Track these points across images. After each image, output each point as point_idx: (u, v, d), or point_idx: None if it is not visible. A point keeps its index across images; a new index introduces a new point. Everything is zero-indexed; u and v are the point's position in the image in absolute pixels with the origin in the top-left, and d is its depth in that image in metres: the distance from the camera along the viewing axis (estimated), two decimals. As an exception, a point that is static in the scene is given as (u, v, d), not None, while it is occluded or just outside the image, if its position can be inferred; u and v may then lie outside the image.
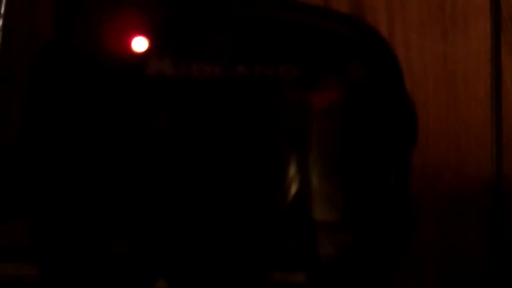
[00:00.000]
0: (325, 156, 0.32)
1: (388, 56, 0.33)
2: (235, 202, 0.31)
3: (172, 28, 0.32)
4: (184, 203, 0.31)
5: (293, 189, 0.31)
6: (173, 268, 0.31)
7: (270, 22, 0.32)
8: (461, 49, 0.50)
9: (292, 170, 0.31)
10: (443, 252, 0.49)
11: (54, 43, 0.32)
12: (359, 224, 0.32)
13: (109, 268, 0.31)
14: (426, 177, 0.49)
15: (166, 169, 0.31)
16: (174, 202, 0.31)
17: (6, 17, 0.47)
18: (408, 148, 0.32)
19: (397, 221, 0.32)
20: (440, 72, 0.49)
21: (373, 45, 0.32)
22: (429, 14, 0.50)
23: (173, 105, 0.32)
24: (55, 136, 0.32)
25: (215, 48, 0.32)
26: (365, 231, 0.32)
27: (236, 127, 0.31)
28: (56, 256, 0.32)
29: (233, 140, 0.31)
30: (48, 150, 0.32)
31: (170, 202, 0.31)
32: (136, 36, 0.32)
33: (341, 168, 0.32)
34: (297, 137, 0.32)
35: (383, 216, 0.32)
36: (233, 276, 0.31)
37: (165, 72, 0.31)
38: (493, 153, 0.49)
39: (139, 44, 0.32)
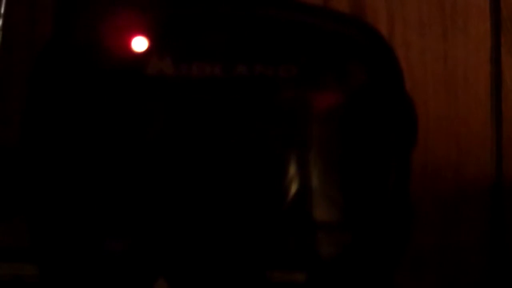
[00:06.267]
0: (325, 156, 0.32)
1: (388, 56, 0.33)
2: (235, 202, 0.31)
3: (172, 28, 0.32)
4: (184, 203, 0.31)
5: (293, 189, 0.31)
6: (173, 267, 0.31)
7: (270, 22, 0.32)
8: (461, 49, 0.49)
9: (292, 170, 0.31)
10: (443, 252, 0.49)
11: (54, 43, 0.32)
12: (359, 223, 0.32)
13: (109, 267, 0.31)
14: (426, 177, 0.49)
15: (166, 168, 0.31)
16: (173, 201, 0.31)
17: (6, 17, 0.47)
18: (408, 148, 0.32)
19: (397, 221, 0.32)
20: (440, 72, 0.49)
21: (373, 45, 0.32)
22: (429, 14, 0.50)
23: (173, 104, 0.32)
24: (55, 136, 0.32)
25: (215, 48, 0.32)
26: (365, 230, 0.32)
27: (236, 127, 0.31)
28: (55, 255, 0.32)
29: (233, 140, 0.31)
30: (48, 150, 0.32)
31: (169, 201, 0.31)
32: (136, 35, 0.32)
33: (341, 168, 0.32)
34: (297, 137, 0.32)
35: (383, 216, 0.32)
36: (233, 276, 0.31)
37: (165, 72, 0.31)
38: (493, 153, 0.49)
39: (139, 43, 0.32)
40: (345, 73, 0.32)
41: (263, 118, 0.31)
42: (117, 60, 0.32)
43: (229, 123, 0.31)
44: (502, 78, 0.50)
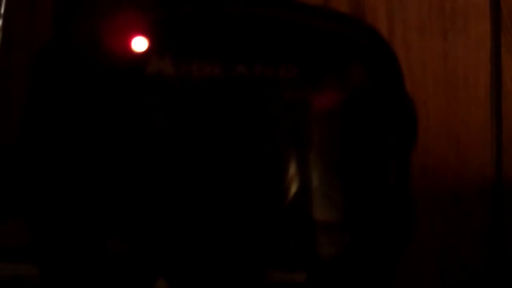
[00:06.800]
0: (325, 156, 0.32)
1: (388, 56, 0.33)
2: (235, 202, 0.31)
3: (172, 28, 0.32)
4: (184, 203, 0.31)
5: (293, 189, 0.31)
6: (173, 268, 0.31)
7: (270, 22, 0.32)
8: (461, 49, 0.50)
9: (292, 170, 0.31)
10: (443, 252, 0.49)
11: (54, 43, 0.32)
12: (359, 223, 0.32)
13: (108, 267, 0.31)
14: (426, 177, 0.49)
15: (165, 168, 0.31)
16: (173, 201, 0.31)
17: (6, 17, 0.47)
18: (408, 148, 0.32)
19: (397, 221, 0.32)
20: (440, 72, 0.49)
21: (373, 45, 0.32)
22: (429, 14, 0.50)
23: (173, 104, 0.32)
24: (55, 136, 0.32)
25: (215, 48, 0.32)
26: (365, 230, 0.32)
27: (235, 127, 0.31)
28: (55, 255, 0.32)
29: (232, 140, 0.31)
30: (47, 150, 0.32)
31: (169, 201, 0.31)
32: (136, 36, 0.32)
33: (341, 168, 0.32)
34: (297, 137, 0.32)
35: (383, 216, 0.32)
36: (233, 276, 0.31)
37: (165, 72, 0.31)
38: (493, 153, 0.49)
39: (139, 44, 0.32)
40: (345, 73, 0.32)
41: (263, 118, 0.31)
42: (117, 60, 0.32)
43: (229, 123, 0.31)
44: (502, 78, 0.50)
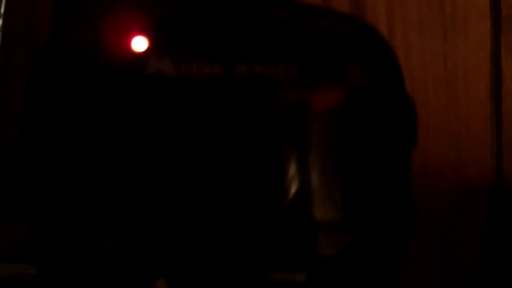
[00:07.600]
0: (325, 156, 0.32)
1: (388, 56, 0.33)
2: (235, 202, 0.31)
3: (172, 28, 0.32)
4: (184, 203, 0.31)
5: (293, 189, 0.31)
6: (173, 267, 0.31)
7: (270, 22, 0.32)
8: (461, 49, 0.50)
9: (292, 170, 0.31)
10: (443, 252, 0.49)
11: (54, 43, 0.32)
12: (360, 223, 0.32)
13: (109, 267, 0.31)
14: (426, 177, 0.49)
15: (165, 168, 0.31)
16: (173, 201, 0.31)
17: (6, 17, 0.47)
18: (408, 148, 0.32)
19: (397, 221, 0.32)
20: (440, 72, 0.49)
21: (373, 45, 0.32)
22: (429, 14, 0.50)
23: (172, 104, 0.32)
24: (55, 136, 0.32)
25: (215, 48, 0.32)
26: (365, 230, 0.32)
27: (235, 127, 0.31)
28: (55, 255, 0.32)
29: (232, 140, 0.31)
30: (47, 150, 0.32)
31: (169, 201, 0.31)
32: (136, 35, 0.32)
33: (341, 168, 0.32)
34: (297, 137, 0.32)
35: (383, 216, 0.32)
36: (233, 276, 0.31)
37: (164, 72, 0.31)
38: (493, 153, 0.49)
39: (139, 43, 0.32)
40: (345, 73, 0.32)
41: (263, 118, 0.31)
42: (117, 60, 0.32)
43: (228, 123, 0.31)
44: (502, 78, 0.50)
